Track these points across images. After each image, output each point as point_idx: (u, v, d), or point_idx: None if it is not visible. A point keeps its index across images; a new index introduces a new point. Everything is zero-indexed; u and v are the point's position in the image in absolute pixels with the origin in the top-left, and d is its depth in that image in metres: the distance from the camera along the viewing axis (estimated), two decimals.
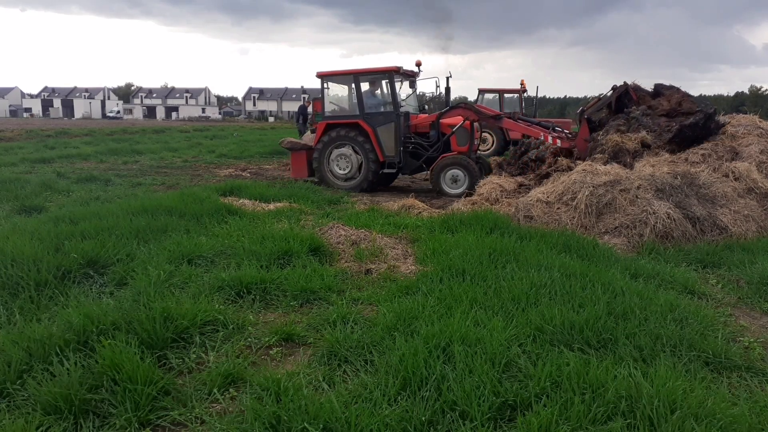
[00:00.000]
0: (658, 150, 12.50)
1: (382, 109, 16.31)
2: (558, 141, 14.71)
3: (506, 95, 26.98)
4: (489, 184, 13.11)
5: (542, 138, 15.09)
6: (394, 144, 15.80)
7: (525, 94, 27.26)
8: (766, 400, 4.26)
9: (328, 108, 17.17)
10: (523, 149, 15.98)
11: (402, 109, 15.95)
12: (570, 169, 12.42)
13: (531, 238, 8.78)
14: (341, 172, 16.27)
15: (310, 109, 31.36)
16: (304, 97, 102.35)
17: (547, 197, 10.69)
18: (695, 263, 8.24)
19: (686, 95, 13.28)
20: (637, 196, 9.88)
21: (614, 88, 14.32)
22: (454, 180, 14.96)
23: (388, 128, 15.82)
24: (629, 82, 14.25)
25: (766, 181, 10.85)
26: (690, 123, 12.52)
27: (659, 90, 13.85)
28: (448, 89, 16.98)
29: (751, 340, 5.53)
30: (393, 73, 15.90)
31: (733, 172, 10.96)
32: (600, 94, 15.02)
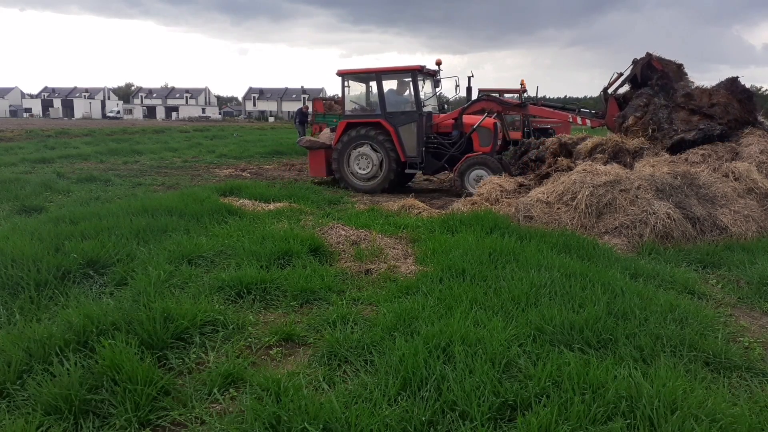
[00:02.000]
0: (658, 150, 12.50)
1: (404, 109, 16.21)
2: (587, 121, 14.83)
3: (506, 95, 26.87)
4: (489, 184, 13.04)
5: (570, 120, 15.34)
6: (416, 144, 15.72)
7: (525, 94, 27.18)
8: (766, 400, 4.26)
9: (349, 107, 17.05)
10: (523, 149, 15.94)
11: (424, 109, 15.87)
12: (570, 169, 12.39)
13: (531, 238, 8.78)
14: (361, 172, 16.15)
15: (310, 110, 31.40)
16: (304, 98, 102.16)
17: (547, 197, 10.68)
18: (695, 263, 8.24)
19: (729, 103, 12.65)
20: (637, 196, 9.88)
21: (635, 62, 14.06)
22: (479, 179, 14.60)
23: (410, 128, 15.75)
24: (651, 53, 13.88)
25: (766, 181, 10.84)
26: (689, 139, 12.43)
27: (730, 85, 13.05)
28: (469, 88, 16.89)
29: (751, 340, 5.53)
30: (416, 72, 15.79)
31: (733, 172, 10.95)
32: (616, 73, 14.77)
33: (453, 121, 16.04)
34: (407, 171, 16.25)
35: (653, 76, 13.65)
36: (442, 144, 15.86)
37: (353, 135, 16.12)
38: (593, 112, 15.49)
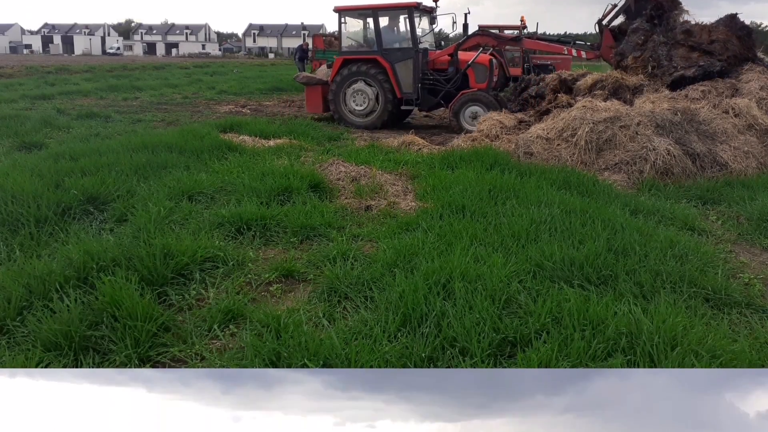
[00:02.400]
0: (658, 86, 12.42)
1: (400, 45, 16.15)
2: (582, 53, 15.03)
3: (506, 32, 26.62)
4: (489, 121, 12.97)
5: (566, 52, 15.52)
6: (412, 80, 15.69)
7: (525, 31, 26.88)
8: (766, 336, 4.28)
9: (345, 43, 16.98)
10: (522, 86, 15.82)
11: (420, 46, 15.80)
12: (570, 105, 12.30)
13: (531, 174, 8.75)
14: (358, 108, 16.13)
15: (310, 46, 31.11)
16: (304, 34, 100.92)
17: (547, 134, 10.61)
18: (695, 200, 8.22)
19: (728, 40, 12.47)
20: (637, 133, 9.81)
21: None
22: (474, 116, 14.67)
23: (406, 64, 15.70)
24: None
25: (766, 117, 10.76)
26: (689, 75, 12.33)
27: (730, 21, 12.80)
28: (465, 25, 16.78)
29: (751, 276, 5.54)
30: (413, 9, 15.67)
31: (733, 109, 10.85)
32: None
33: (449, 57, 16.00)
34: (403, 107, 16.32)
35: (647, 6, 13.51)
36: (438, 80, 15.83)
37: (350, 71, 16.09)
38: (588, 44, 15.52)
